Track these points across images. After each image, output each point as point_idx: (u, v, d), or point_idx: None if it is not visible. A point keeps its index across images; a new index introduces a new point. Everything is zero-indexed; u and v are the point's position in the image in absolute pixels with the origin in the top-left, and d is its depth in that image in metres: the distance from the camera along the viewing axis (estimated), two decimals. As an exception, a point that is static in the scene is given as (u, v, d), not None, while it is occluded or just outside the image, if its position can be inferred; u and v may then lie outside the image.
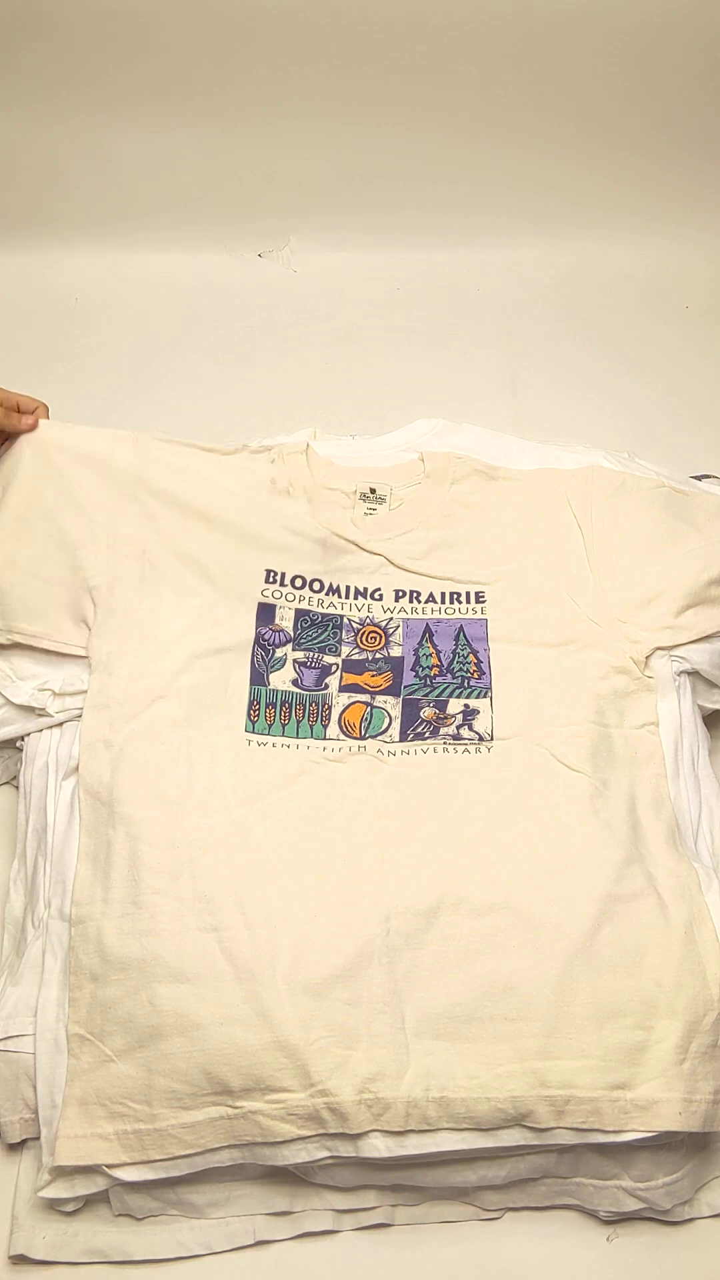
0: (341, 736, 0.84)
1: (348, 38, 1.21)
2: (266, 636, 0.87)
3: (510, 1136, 0.71)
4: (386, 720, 0.85)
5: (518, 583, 0.91)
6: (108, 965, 0.74)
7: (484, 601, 0.91)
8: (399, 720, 0.86)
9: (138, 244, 1.32)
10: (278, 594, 0.89)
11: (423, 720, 0.85)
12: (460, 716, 0.85)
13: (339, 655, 0.88)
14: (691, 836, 0.83)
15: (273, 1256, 0.75)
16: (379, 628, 0.89)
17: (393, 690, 0.87)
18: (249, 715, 0.84)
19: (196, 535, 0.88)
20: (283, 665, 0.87)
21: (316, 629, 0.88)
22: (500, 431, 1.03)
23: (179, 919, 0.74)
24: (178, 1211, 0.75)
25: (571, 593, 0.90)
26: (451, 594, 0.91)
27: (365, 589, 0.91)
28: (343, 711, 0.86)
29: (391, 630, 0.90)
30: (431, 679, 0.87)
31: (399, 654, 0.89)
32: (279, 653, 0.87)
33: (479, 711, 0.86)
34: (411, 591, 0.91)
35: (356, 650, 0.89)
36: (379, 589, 0.91)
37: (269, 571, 0.89)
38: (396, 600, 0.91)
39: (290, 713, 0.85)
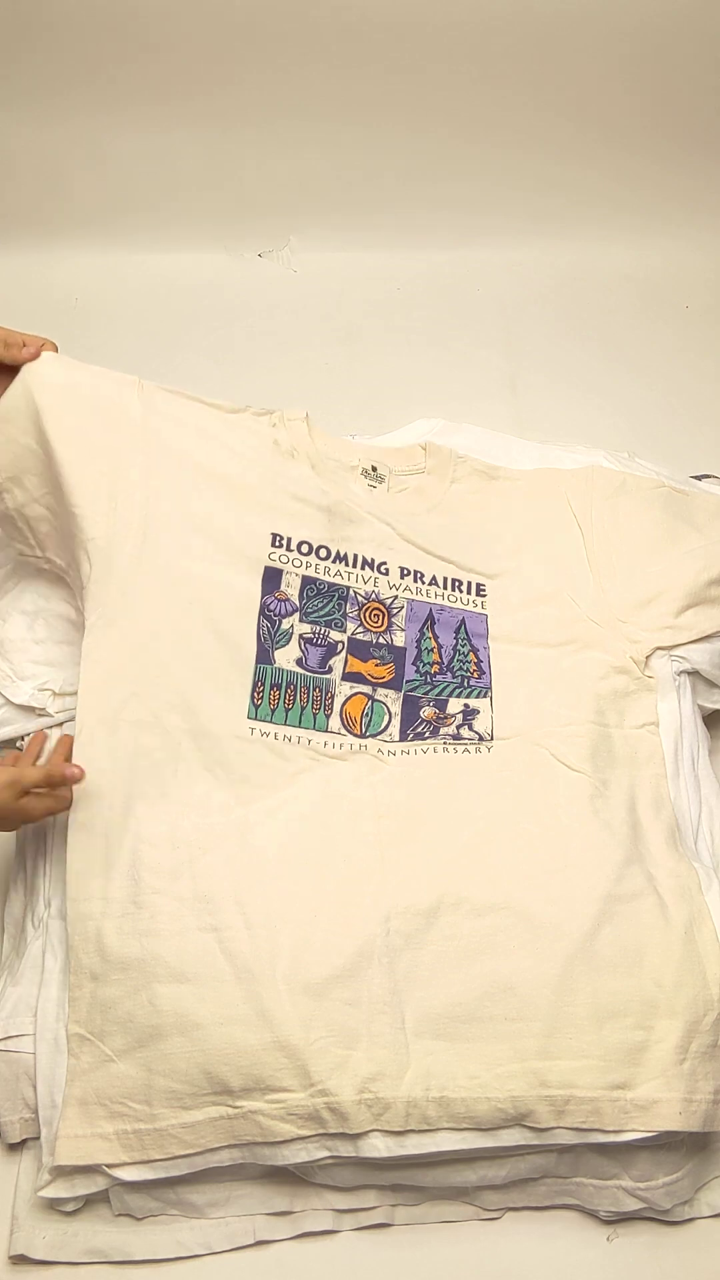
0: (343, 731, 0.84)
1: (348, 38, 1.21)
2: (272, 606, 0.85)
3: (510, 1136, 0.71)
4: (387, 717, 0.85)
5: (518, 581, 0.91)
6: (108, 965, 0.74)
7: (485, 595, 0.91)
8: (399, 718, 0.85)
9: (138, 244, 1.32)
10: (284, 559, 0.87)
11: (422, 720, 0.85)
12: (460, 716, 0.85)
13: (344, 632, 0.87)
14: (691, 836, 0.83)
15: (273, 1256, 0.75)
16: (383, 605, 0.88)
17: (394, 684, 0.86)
18: (253, 698, 0.82)
19: (201, 493, 0.85)
20: (288, 640, 0.85)
21: (322, 599, 0.87)
22: (500, 431, 1.03)
23: (179, 919, 0.74)
24: (178, 1211, 0.75)
25: (572, 593, 0.90)
26: (454, 580, 0.91)
27: (372, 560, 0.90)
28: (344, 703, 0.85)
29: (395, 610, 0.89)
30: (432, 676, 0.87)
31: (401, 642, 0.88)
32: (285, 624, 0.85)
33: (479, 712, 0.86)
34: (416, 571, 0.90)
35: (361, 629, 0.87)
36: (385, 563, 0.90)
37: (275, 535, 0.87)
38: (402, 578, 0.90)
39: (295, 697, 0.83)
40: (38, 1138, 0.74)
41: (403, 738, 0.85)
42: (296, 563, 0.87)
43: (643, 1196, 0.74)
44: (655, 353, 1.28)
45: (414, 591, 0.90)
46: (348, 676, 0.86)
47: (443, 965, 0.75)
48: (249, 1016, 0.71)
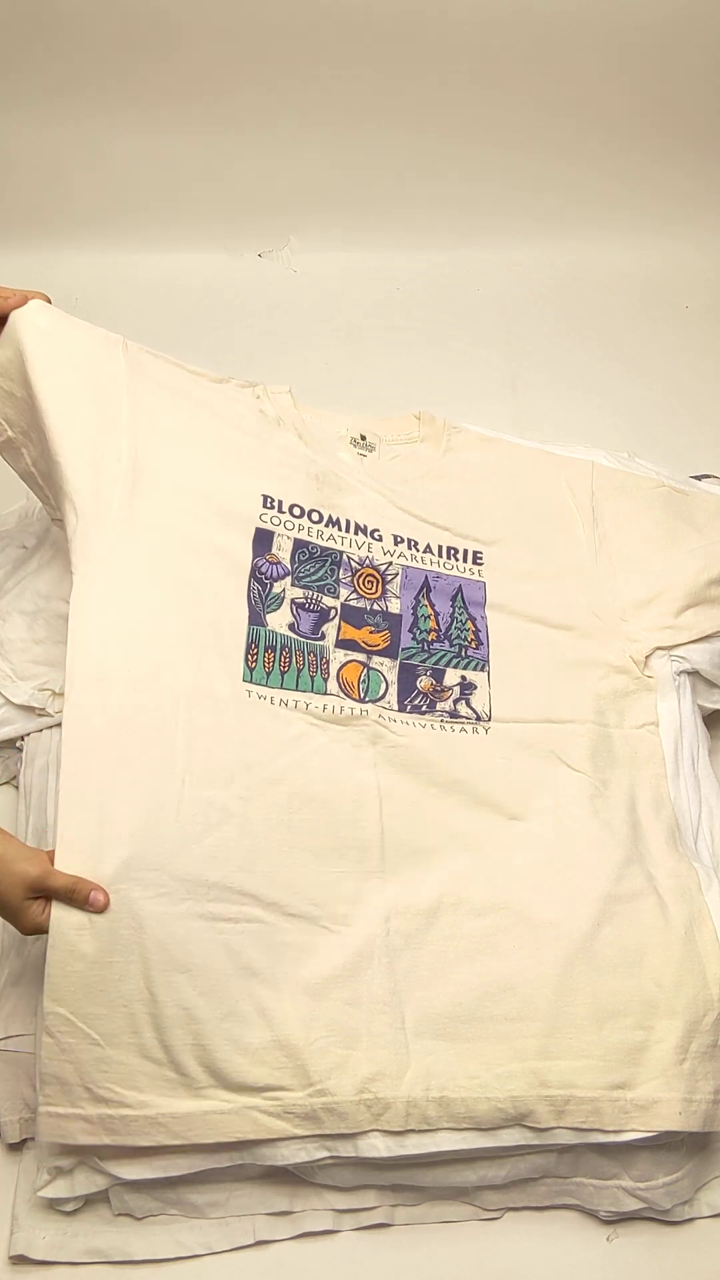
0: (341, 694, 0.81)
1: (348, 39, 1.21)
2: (263, 569, 0.82)
3: (510, 1136, 0.71)
4: (383, 685, 0.83)
5: (517, 551, 0.90)
6: (100, 945, 0.70)
7: (481, 564, 0.89)
8: (395, 687, 0.83)
9: (138, 244, 1.32)
10: (275, 520, 0.84)
11: (419, 691, 0.83)
12: (457, 690, 0.84)
13: (337, 598, 0.84)
14: (691, 836, 0.83)
15: (273, 1256, 0.75)
16: (377, 571, 0.86)
17: (389, 652, 0.84)
18: (246, 661, 0.79)
19: (188, 451, 0.83)
20: (280, 604, 0.82)
21: (315, 563, 0.84)
22: (500, 431, 1.03)
23: (177, 903, 0.71)
24: (178, 1211, 0.75)
25: (575, 578, 0.89)
26: (449, 549, 0.89)
27: (365, 526, 0.87)
28: (340, 668, 0.82)
29: (390, 577, 0.86)
30: (429, 644, 0.85)
31: (397, 610, 0.86)
32: (276, 588, 0.82)
33: (476, 687, 0.84)
34: (410, 539, 0.88)
35: (355, 595, 0.85)
36: (378, 529, 0.88)
37: (265, 497, 0.85)
38: (396, 544, 0.88)
39: (290, 659, 0.81)
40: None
41: (400, 708, 0.82)
42: (288, 525, 0.84)
43: (643, 1196, 0.74)
44: (655, 353, 1.28)
45: (409, 558, 0.88)
46: (341, 643, 0.83)
47: (443, 965, 0.75)
48: (249, 1014, 0.71)
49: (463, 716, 0.83)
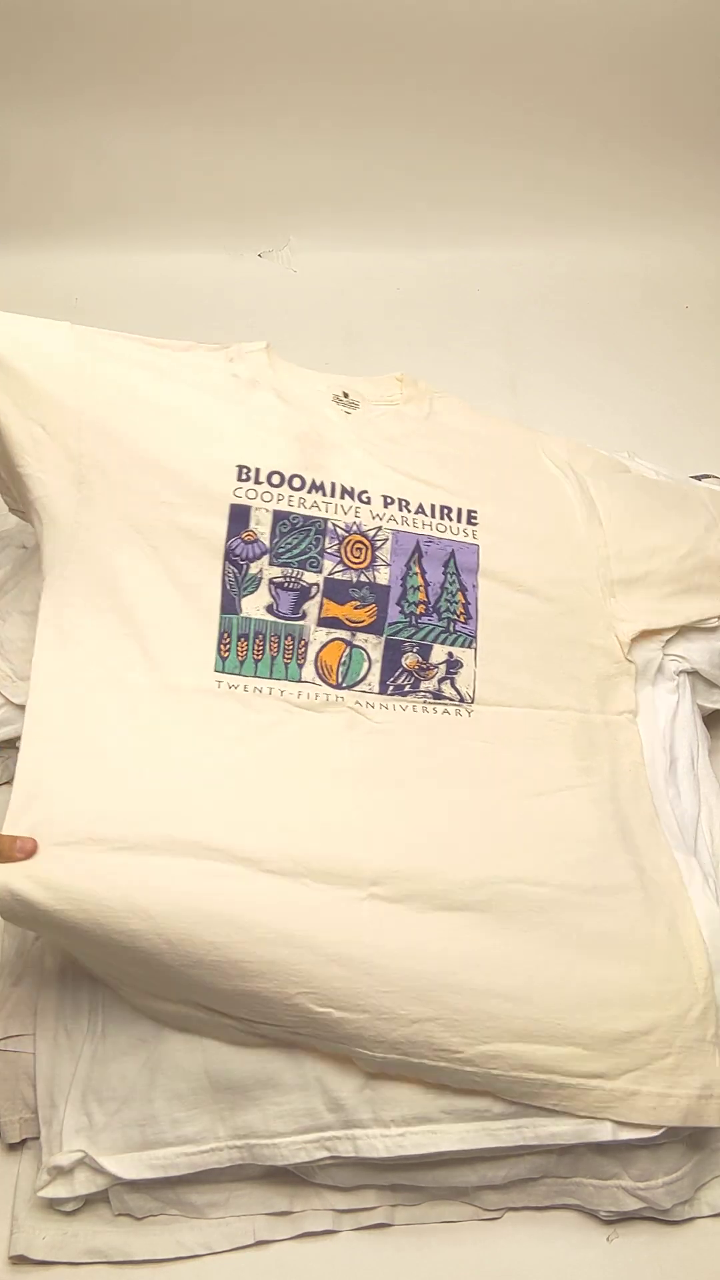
0: (318, 680, 0.79)
1: (347, 38, 1.21)
2: (238, 550, 0.79)
3: (510, 1137, 0.71)
4: (366, 665, 0.80)
5: (510, 512, 0.86)
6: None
7: (476, 524, 0.85)
8: (379, 665, 0.80)
9: (138, 244, 1.32)
10: (252, 493, 0.80)
11: (404, 669, 0.81)
12: (443, 668, 0.81)
13: (320, 571, 0.80)
14: (691, 836, 0.83)
15: (273, 1256, 0.75)
16: (365, 538, 0.82)
17: (375, 628, 0.81)
18: (219, 651, 0.77)
19: (154, 431, 0.79)
20: (257, 587, 0.79)
21: (297, 535, 0.80)
22: (500, 431, 1.03)
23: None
24: (178, 1211, 0.75)
25: (567, 548, 0.87)
26: (443, 508, 0.85)
27: (352, 489, 0.83)
28: (320, 650, 0.79)
29: (380, 543, 0.82)
30: (417, 618, 0.82)
31: (385, 580, 0.82)
32: (253, 569, 0.79)
33: (462, 664, 0.82)
34: (400, 499, 0.84)
35: (340, 567, 0.81)
36: (366, 491, 0.83)
37: (241, 468, 0.80)
38: (385, 506, 0.83)
39: (264, 647, 0.78)
40: (37, 1138, 0.74)
41: (382, 689, 0.80)
42: (267, 496, 0.80)
43: (643, 1196, 0.74)
44: (655, 353, 1.28)
45: (399, 521, 0.83)
46: (323, 622, 0.80)
47: (424, 939, 0.72)
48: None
49: (446, 698, 0.81)
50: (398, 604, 0.82)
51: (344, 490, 0.82)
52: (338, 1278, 0.75)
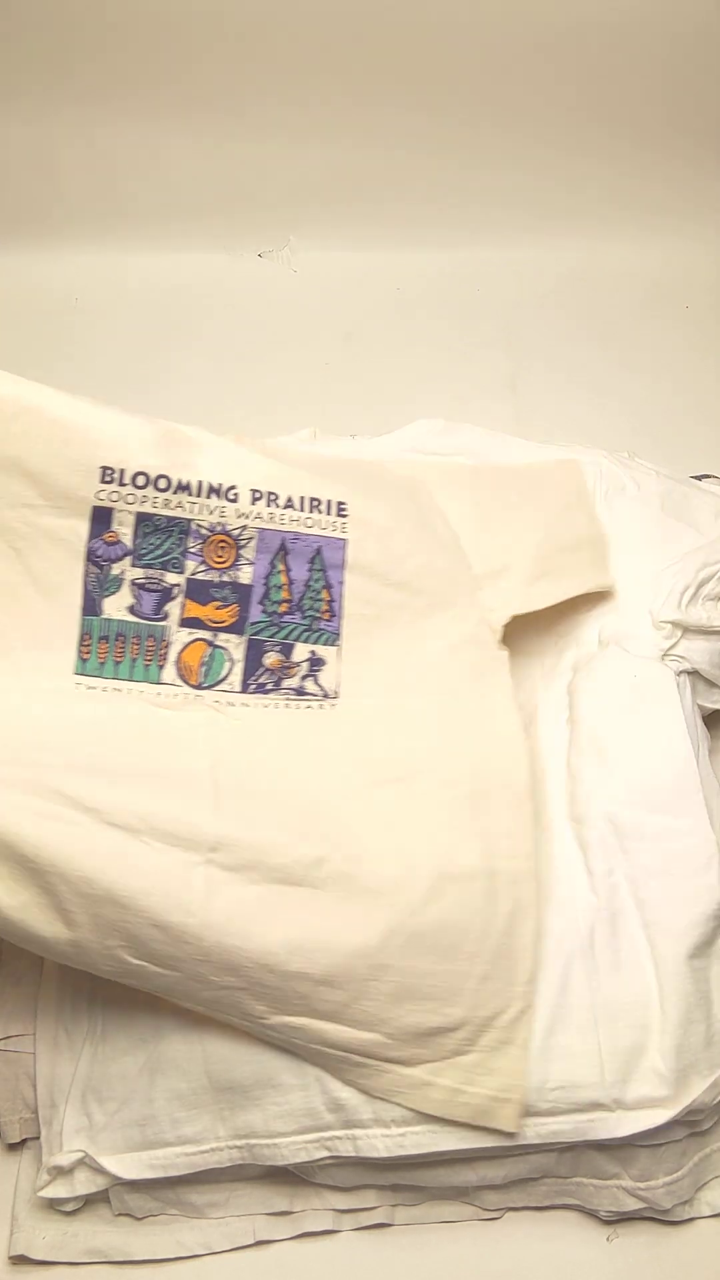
0: (178, 682, 0.78)
1: (348, 37, 1.21)
2: (99, 551, 0.78)
3: (509, 1137, 0.71)
4: (227, 665, 0.79)
5: (378, 505, 0.85)
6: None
7: (346, 516, 0.83)
8: (241, 665, 0.79)
9: (138, 244, 1.32)
10: (115, 495, 0.78)
11: (265, 668, 0.80)
12: (306, 666, 0.80)
13: (183, 572, 0.80)
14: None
15: (273, 1256, 0.75)
16: (230, 537, 0.80)
17: (236, 628, 0.80)
18: (80, 653, 0.77)
19: (14, 434, 0.78)
20: (119, 588, 0.78)
21: (160, 536, 0.79)
22: (500, 431, 1.03)
23: None
24: (178, 1211, 0.75)
25: (431, 542, 0.85)
26: (313, 500, 0.82)
27: (219, 486, 0.81)
28: (181, 651, 0.79)
29: (244, 542, 0.80)
30: (279, 617, 0.81)
31: (248, 580, 0.81)
32: (115, 570, 0.78)
33: (325, 662, 0.80)
34: (270, 493, 0.81)
35: (203, 567, 0.80)
36: (234, 487, 0.81)
37: (105, 469, 0.78)
38: (253, 503, 0.81)
39: (125, 648, 0.78)
40: (37, 1138, 0.74)
41: (244, 688, 0.79)
42: (130, 498, 0.79)
43: (643, 1196, 0.74)
44: (656, 353, 1.28)
45: (266, 518, 0.81)
46: (185, 622, 0.79)
47: (259, 919, 0.71)
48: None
49: (309, 694, 0.80)
50: (260, 603, 0.81)
51: (211, 489, 0.81)
52: (338, 1278, 0.75)
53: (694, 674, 0.89)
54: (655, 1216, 0.76)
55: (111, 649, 0.77)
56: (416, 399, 1.15)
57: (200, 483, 0.80)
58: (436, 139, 1.29)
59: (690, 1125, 0.74)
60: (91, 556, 0.78)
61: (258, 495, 0.81)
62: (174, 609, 0.79)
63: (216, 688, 0.79)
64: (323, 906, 0.71)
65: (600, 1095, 0.71)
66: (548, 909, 0.76)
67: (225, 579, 0.81)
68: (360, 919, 0.71)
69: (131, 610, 0.78)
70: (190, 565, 0.80)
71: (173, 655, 0.79)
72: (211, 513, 0.80)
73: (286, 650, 0.81)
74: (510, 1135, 0.70)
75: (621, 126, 1.30)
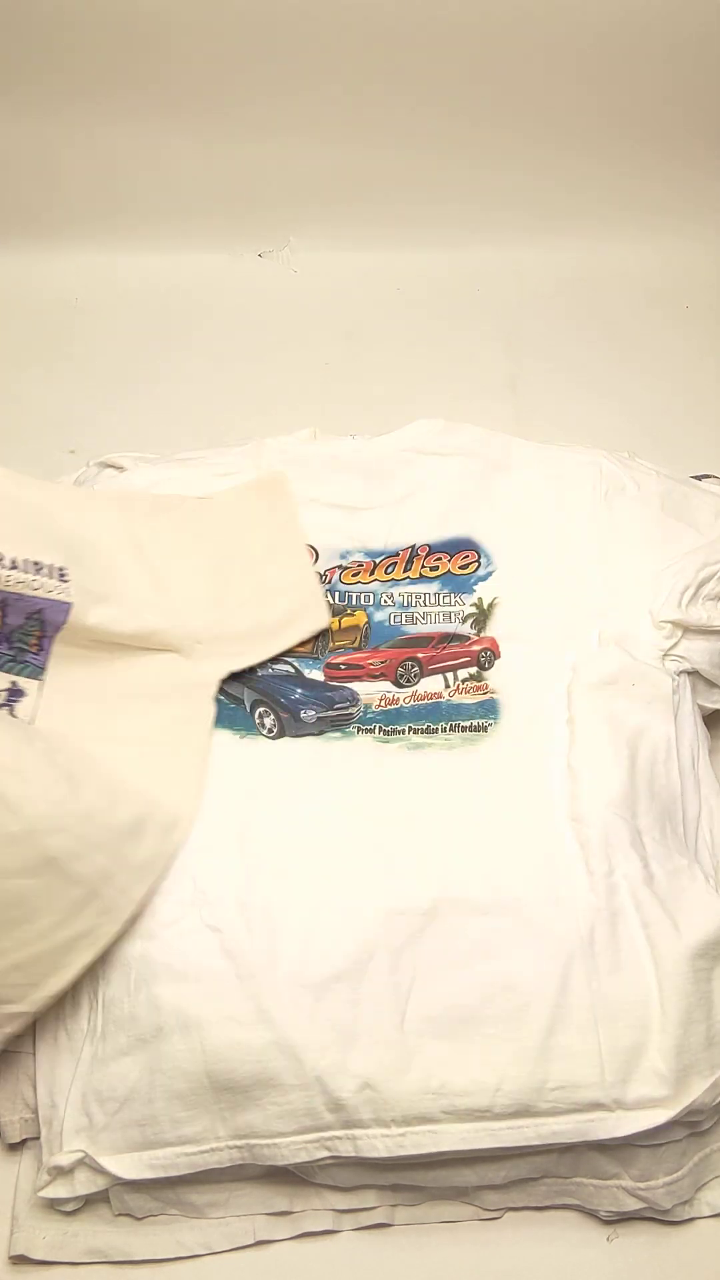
0: None
1: (348, 37, 1.21)
2: None
3: (510, 1136, 0.71)
4: None
5: (95, 572, 0.84)
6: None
7: (68, 581, 0.82)
8: None
9: (138, 244, 1.32)
10: None
11: None
12: (4, 695, 0.80)
13: None
14: (692, 837, 0.83)
15: (273, 1256, 0.75)
16: None
17: None
18: None
19: None
20: None
21: None
22: (500, 431, 1.03)
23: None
24: (178, 1211, 0.75)
25: (155, 602, 0.86)
26: (35, 563, 0.82)
27: None
28: None
29: None
30: None
31: None
32: None
33: (25, 693, 0.80)
34: None
35: None
36: None
37: None
38: None
39: None
40: (38, 1138, 0.74)
41: None
42: None
43: (643, 1196, 0.74)
44: (656, 352, 1.28)
45: None
46: None
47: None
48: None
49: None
50: None
51: None
52: (338, 1278, 0.75)
53: (694, 674, 0.89)
54: (655, 1216, 0.76)
55: None
56: (416, 399, 1.15)
57: None
58: (437, 139, 1.29)
59: (690, 1125, 0.74)
60: None
61: None
62: None
63: None
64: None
65: (600, 1095, 0.71)
66: (548, 909, 0.76)
67: None
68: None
69: None
70: None
71: None
72: None
73: None
74: None
75: (622, 126, 1.30)
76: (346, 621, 0.91)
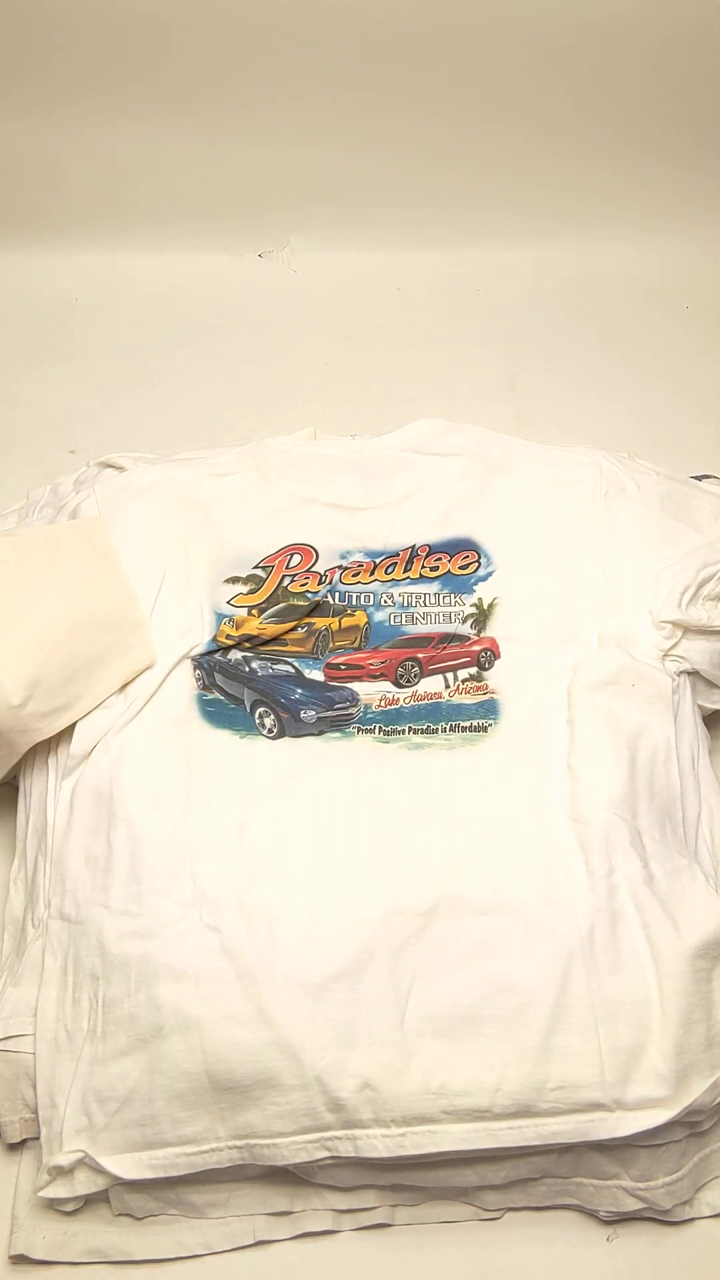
0: None
1: (348, 37, 1.21)
2: None
3: (510, 1136, 0.71)
4: None
5: None
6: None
7: None
8: None
9: (138, 244, 1.32)
10: None
11: None
12: None
13: None
14: (693, 837, 0.83)
15: (273, 1256, 0.75)
16: None
17: None
18: None
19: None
20: None
21: None
22: (500, 431, 1.03)
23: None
24: (178, 1211, 0.75)
25: None
26: None
27: None
28: None
29: None
30: None
31: None
32: None
33: None
34: None
35: None
36: None
37: None
38: None
39: None
40: (38, 1138, 0.74)
41: None
42: None
43: (643, 1196, 0.74)
44: (656, 352, 1.28)
45: None
46: None
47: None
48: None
49: None
50: None
51: None
52: (338, 1278, 0.75)
53: (694, 674, 0.89)
54: (655, 1216, 0.76)
55: None
56: (416, 399, 1.15)
57: None
58: (437, 140, 1.29)
59: (690, 1126, 0.74)
60: None
61: None
62: None
63: None
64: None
65: (600, 1095, 0.71)
66: (548, 909, 0.76)
67: None
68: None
69: None
70: None
71: None
72: None
73: None
74: None
75: (622, 128, 1.30)
76: (346, 621, 0.91)
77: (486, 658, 0.89)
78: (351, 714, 0.87)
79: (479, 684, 0.88)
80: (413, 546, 0.94)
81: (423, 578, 0.93)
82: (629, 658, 0.87)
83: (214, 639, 0.89)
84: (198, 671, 0.87)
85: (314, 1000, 0.72)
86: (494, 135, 1.30)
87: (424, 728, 0.86)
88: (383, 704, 0.87)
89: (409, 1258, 0.75)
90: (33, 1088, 0.74)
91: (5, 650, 0.80)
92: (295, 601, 0.91)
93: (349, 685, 0.88)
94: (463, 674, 0.88)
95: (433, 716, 0.86)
